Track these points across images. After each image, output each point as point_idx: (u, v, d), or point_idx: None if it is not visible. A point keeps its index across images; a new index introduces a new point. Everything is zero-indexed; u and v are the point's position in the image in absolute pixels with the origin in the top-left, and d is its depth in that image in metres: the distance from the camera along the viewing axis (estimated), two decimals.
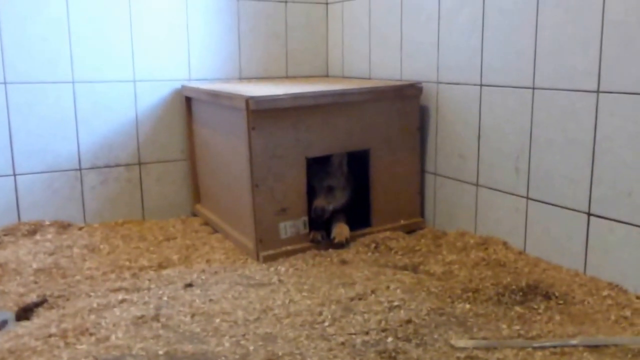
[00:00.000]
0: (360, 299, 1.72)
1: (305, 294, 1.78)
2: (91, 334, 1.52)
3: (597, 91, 1.78)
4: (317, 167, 2.25)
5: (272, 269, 2.02)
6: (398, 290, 1.76)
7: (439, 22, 2.35)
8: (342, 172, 2.32)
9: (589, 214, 1.85)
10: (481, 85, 2.19)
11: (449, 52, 2.32)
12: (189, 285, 1.88)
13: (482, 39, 2.16)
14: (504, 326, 1.56)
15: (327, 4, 3.10)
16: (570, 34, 1.85)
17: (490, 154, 2.19)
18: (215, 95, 2.34)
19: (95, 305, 1.72)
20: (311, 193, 2.23)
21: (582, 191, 1.86)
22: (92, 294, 1.84)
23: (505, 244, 2.13)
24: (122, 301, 1.76)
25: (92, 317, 1.63)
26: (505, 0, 2.06)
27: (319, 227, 2.25)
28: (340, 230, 2.24)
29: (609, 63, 1.74)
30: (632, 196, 1.71)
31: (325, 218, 2.25)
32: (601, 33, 1.75)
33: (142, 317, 1.62)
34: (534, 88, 1.98)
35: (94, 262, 2.12)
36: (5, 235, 2.36)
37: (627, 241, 1.75)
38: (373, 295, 1.73)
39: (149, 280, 1.94)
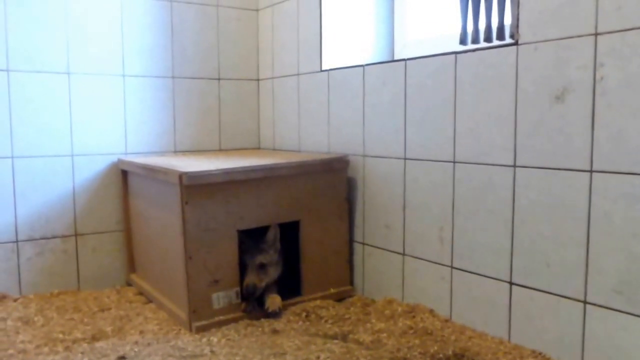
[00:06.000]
0: None
1: None
2: None
3: (514, 165, 1.74)
4: (249, 242, 2.14)
5: (204, 339, 1.90)
6: None
7: (364, 99, 2.30)
8: (276, 249, 2.19)
9: (511, 283, 1.78)
10: (405, 158, 2.13)
11: (374, 127, 2.27)
12: (122, 357, 1.76)
13: (405, 115, 2.11)
14: None
15: (258, 80, 3.05)
16: (486, 112, 1.81)
17: (415, 224, 2.12)
18: (150, 170, 2.25)
19: None
20: (243, 268, 2.12)
21: (504, 261, 1.80)
22: None
23: (431, 311, 2.05)
24: None
25: None
26: (424, 80, 2.03)
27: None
28: (273, 300, 2.12)
29: (523, 139, 1.71)
30: (551, 267, 1.65)
31: (257, 295, 2.13)
32: (515, 111, 1.72)
33: None
34: (454, 162, 1.93)
35: (28, 335, 1.98)
36: None
37: (548, 310, 1.68)
38: None
39: (82, 353, 1.80)
